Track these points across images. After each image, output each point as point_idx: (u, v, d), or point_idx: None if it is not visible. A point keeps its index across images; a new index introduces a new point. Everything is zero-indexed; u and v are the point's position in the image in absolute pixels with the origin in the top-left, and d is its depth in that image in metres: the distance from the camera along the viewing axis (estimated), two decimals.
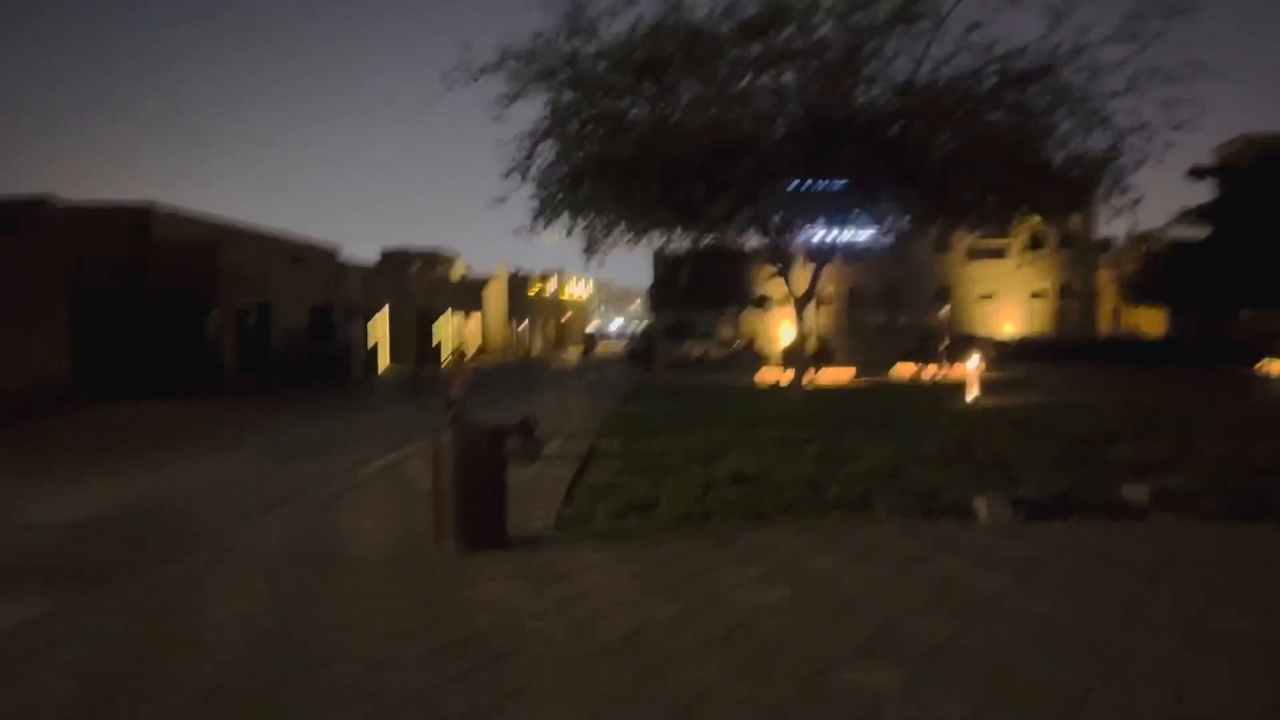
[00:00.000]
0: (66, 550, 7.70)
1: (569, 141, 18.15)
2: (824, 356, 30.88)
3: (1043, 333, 52.37)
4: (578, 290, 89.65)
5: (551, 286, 77.34)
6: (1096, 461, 10.93)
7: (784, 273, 19.95)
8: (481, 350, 18.50)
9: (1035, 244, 50.08)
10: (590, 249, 19.86)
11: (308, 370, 33.62)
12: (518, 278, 68.32)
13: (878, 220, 19.52)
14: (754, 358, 46.05)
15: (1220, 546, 7.02)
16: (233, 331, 32.03)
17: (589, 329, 43.10)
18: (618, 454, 12.37)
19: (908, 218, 19.16)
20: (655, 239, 20.15)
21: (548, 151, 18.52)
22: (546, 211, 18.97)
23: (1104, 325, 57.56)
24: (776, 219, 18.96)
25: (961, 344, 37.16)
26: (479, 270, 66.45)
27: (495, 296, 62.22)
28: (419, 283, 45.64)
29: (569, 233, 19.32)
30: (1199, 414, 16.76)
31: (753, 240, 21.12)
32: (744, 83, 18.17)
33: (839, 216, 18.85)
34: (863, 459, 11.40)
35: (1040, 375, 30.47)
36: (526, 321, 65.60)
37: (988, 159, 16.81)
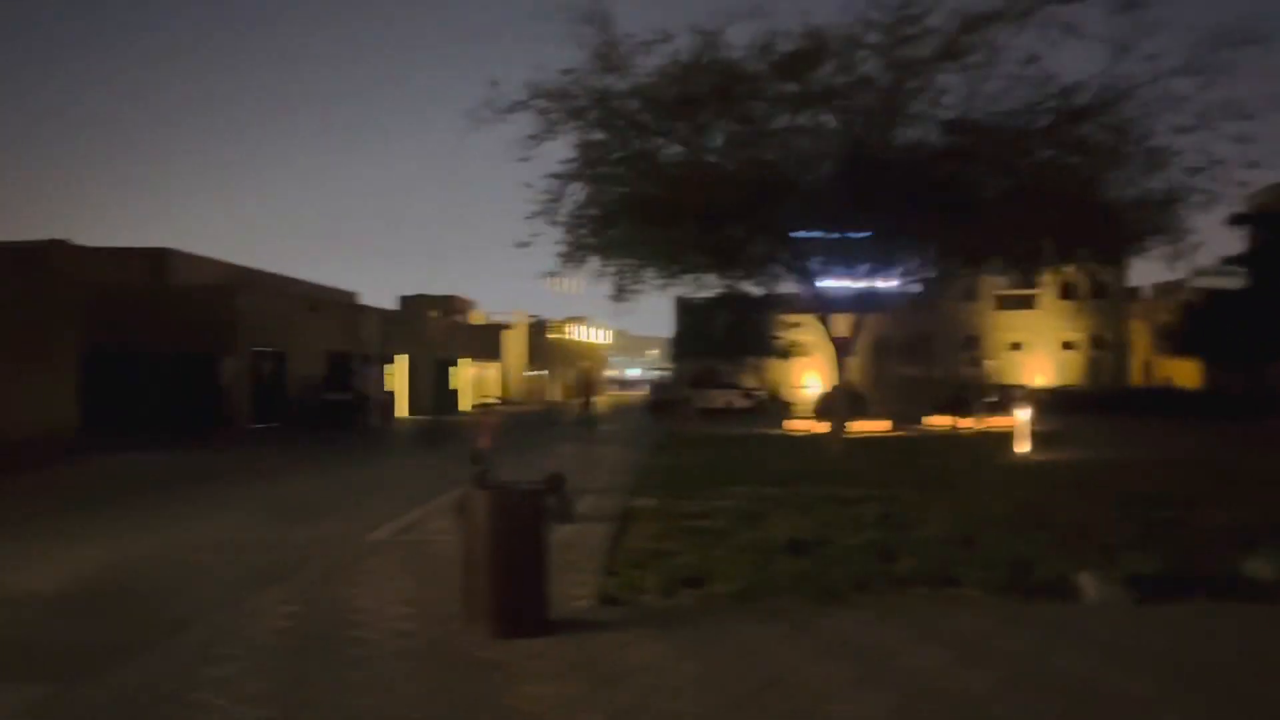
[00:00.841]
0: (34, 633, 6.71)
1: (600, 182, 17.36)
2: (857, 407, 29.78)
3: (1075, 384, 51.07)
4: (596, 338, 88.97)
5: (570, 333, 76.66)
6: (1188, 529, 9.86)
7: (823, 320, 18.97)
8: (503, 400, 17.21)
9: (1094, 290, 49.03)
10: (619, 294, 19.03)
11: (323, 419, 32.74)
12: (536, 324, 67.62)
13: (924, 265, 18.60)
14: (779, 407, 44.94)
15: None
16: (247, 378, 31.23)
17: (588, 372, 41.25)
18: (656, 514, 11.34)
19: (955, 262, 18.22)
20: (689, 283, 19.25)
21: (577, 193, 17.77)
22: (574, 256, 18.17)
23: (1136, 376, 56.23)
24: (816, 263, 18.05)
25: (996, 395, 36.12)
26: (495, 317, 65.82)
27: (514, 344, 61.45)
28: (436, 329, 44.86)
29: (597, 277, 18.52)
30: (1269, 472, 15.61)
31: (790, 285, 20.20)
32: (781, 122, 17.39)
33: (884, 261, 17.93)
34: (929, 523, 10.35)
35: (1080, 428, 29.21)
36: (545, 370, 64.80)
37: (1043, 200, 15.87)
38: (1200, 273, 50.05)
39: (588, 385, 36.73)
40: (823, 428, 27.57)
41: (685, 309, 54.75)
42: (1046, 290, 52.26)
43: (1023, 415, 19.03)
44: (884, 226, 17.30)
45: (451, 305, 62.52)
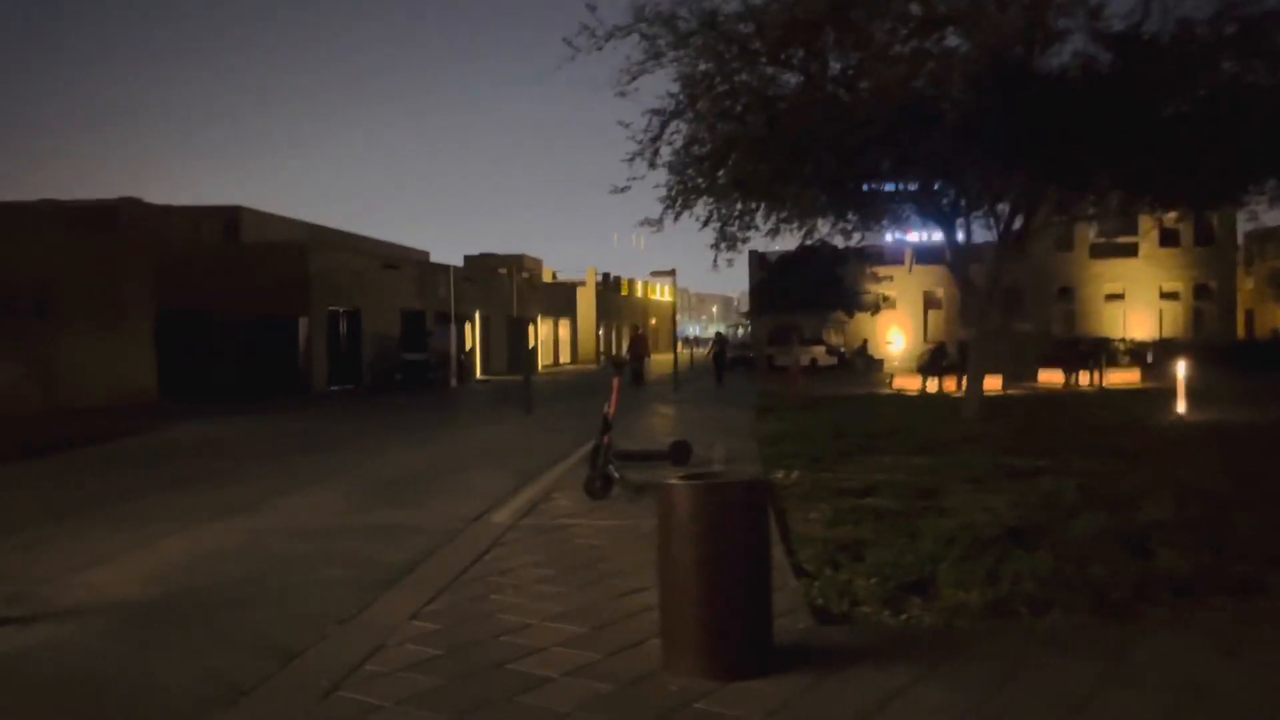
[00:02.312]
0: (112, 662, 5.38)
1: (711, 118, 15.67)
2: (967, 363, 27.85)
3: (1179, 336, 48.18)
4: (663, 295, 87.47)
5: (639, 291, 75.22)
6: None
7: (958, 265, 17.13)
8: (620, 361, 14.46)
9: (1198, 237, 46.25)
10: (726, 241, 17.42)
11: (402, 380, 31.74)
12: (605, 282, 66.18)
13: (1071, 206, 16.62)
14: (866, 364, 43.04)
15: None
16: (323, 339, 30.29)
17: (640, 330, 38.51)
18: (808, 492, 9.76)
19: (1113, 201, 16.19)
20: (811, 227, 17.50)
21: (681, 131, 16.12)
22: (679, 200, 16.56)
23: (1240, 328, 53.05)
24: (954, 199, 16.10)
25: (1100, 348, 33.98)
26: (563, 275, 64.51)
27: (584, 302, 60.17)
28: (511, 287, 43.66)
29: (705, 223, 16.89)
30: None
31: (925, 231, 18.28)
32: (908, 47, 15.50)
33: (1029, 202, 15.99)
34: (1144, 502, 8.67)
35: (1210, 384, 26.88)
36: (640, 327, 63.43)
37: (1224, 125, 13.81)
38: None
39: (640, 345, 32.89)
40: (933, 386, 25.82)
41: (762, 263, 52.82)
42: (1146, 237, 49.33)
43: (1180, 373, 17.03)
44: (1031, 163, 15.29)
45: (520, 264, 61.29)
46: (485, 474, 11.89)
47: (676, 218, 16.83)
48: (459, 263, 55.03)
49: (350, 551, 7.71)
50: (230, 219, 32.44)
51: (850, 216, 17.72)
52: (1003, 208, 16.23)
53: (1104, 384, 27.35)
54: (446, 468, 12.73)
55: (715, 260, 18.51)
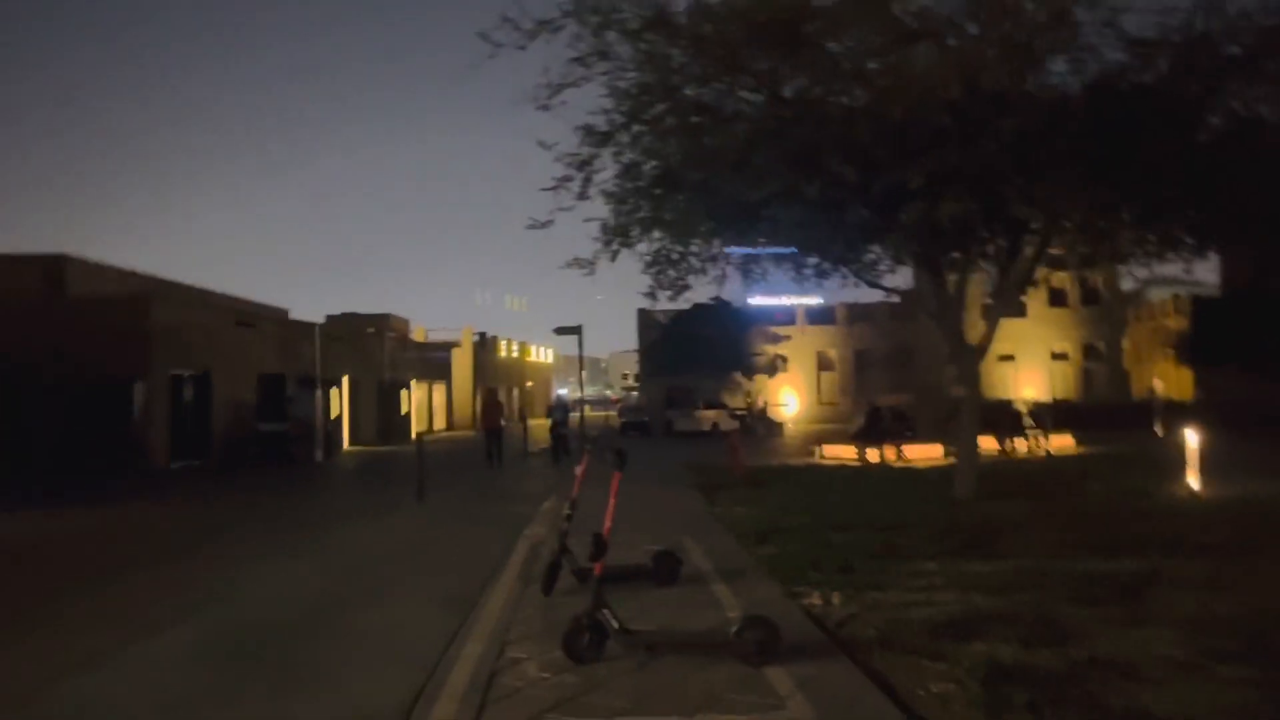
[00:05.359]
0: None
1: (658, 135, 12.80)
2: (906, 429, 25.59)
3: (1070, 397, 47.80)
4: (544, 357, 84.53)
5: (516, 351, 71.87)
6: None
7: (945, 317, 14.62)
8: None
9: (1085, 298, 46.17)
10: (667, 289, 14.59)
11: (258, 453, 27.44)
12: (481, 341, 62.47)
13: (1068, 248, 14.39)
14: (767, 428, 40.69)
15: None
16: (165, 407, 25.83)
17: (494, 395, 30.77)
18: (884, 635, 6.76)
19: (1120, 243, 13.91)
20: (762, 273, 14.78)
21: (624, 150, 13.20)
22: (619, 236, 13.63)
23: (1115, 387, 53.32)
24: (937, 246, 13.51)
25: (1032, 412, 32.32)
26: (435, 335, 60.54)
27: (460, 364, 56.36)
28: (382, 348, 39.67)
29: (651, 264, 13.98)
30: None
31: (894, 276, 15.69)
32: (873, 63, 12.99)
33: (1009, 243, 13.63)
34: None
35: (1129, 446, 25.22)
36: (516, 390, 59.74)
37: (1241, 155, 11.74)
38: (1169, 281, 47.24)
39: (494, 413, 26.82)
40: (874, 455, 23.37)
41: (650, 324, 50.38)
42: (1035, 298, 49.12)
43: (1191, 439, 14.84)
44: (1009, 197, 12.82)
45: (386, 323, 56.94)
46: (398, 609, 8.37)
47: (614, 257, 13.85)
48: (320, 322, 50.51)
49: None
50: (53, 269, 27.65)
51: (812, 261, 15.08)
52: (1003, 244, 13.78)
53: (1044, 448, 25.48)
54: (340, 596, 9.09)
55: (655, 301, 15.69)
